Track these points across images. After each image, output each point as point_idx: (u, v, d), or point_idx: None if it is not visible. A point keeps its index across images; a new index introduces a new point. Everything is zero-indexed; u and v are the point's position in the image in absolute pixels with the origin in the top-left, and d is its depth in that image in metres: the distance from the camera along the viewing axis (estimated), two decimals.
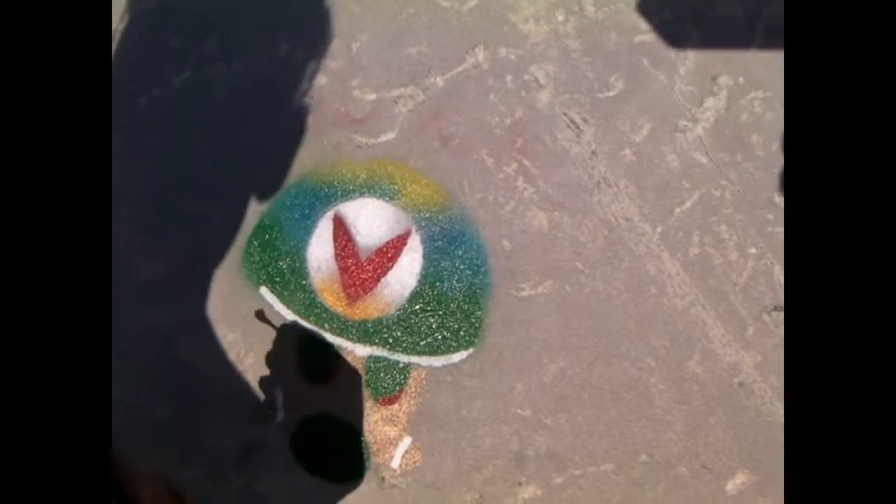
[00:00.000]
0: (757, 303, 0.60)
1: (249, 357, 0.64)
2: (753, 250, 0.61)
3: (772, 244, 0.58)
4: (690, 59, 0.59)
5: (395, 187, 0.64)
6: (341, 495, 0.64)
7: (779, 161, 0.58)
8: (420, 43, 0.65)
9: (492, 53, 0.63)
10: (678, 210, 0.61)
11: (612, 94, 0.63)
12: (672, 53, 0.59)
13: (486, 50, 0.64)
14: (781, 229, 0.57)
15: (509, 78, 0.63)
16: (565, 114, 0.63)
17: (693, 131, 0.58)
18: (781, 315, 0.59)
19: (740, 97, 0.58)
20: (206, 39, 0.69)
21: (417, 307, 0.62)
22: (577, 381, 0.63)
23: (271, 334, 0.67)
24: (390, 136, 0.64)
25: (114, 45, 0.73)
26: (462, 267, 0.62)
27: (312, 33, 0.67)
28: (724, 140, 0.58)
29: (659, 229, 0.59)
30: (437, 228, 0.63)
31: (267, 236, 0.68)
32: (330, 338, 0.67)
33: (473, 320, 0.61)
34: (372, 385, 0.66)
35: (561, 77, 0.63)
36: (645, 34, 0.60)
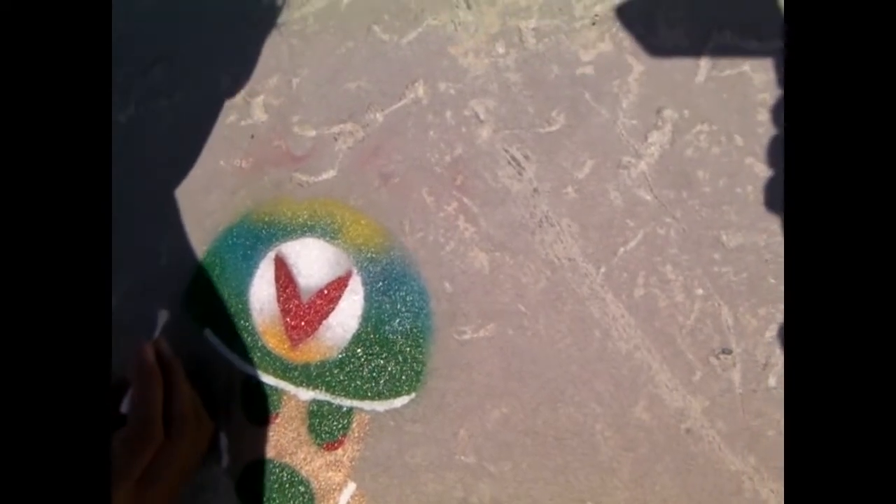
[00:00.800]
0: (704, 346, 0.58)
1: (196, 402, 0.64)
2: (700, 291, 0.59)
3: (718, 285, 0.55)
4: (633, 91, 0.57)
5: (336, 227, 0.63)
6: None
7: (726, 197, 0.56)
8: (359, 78, 0.64)
9: (431, 88, 0.63)
10: (622, 250, 0.58)
11: (553, 129, 0.61)
12: (614, 86, 0.57)
13: (426, 84, 0.63)
14: (729, 269, 0.55)
15: (449, 113, 0.62)
16: (506, 150, 0.61)
17: (637, 167, 0.56)
18: (729, 357, 0.57)
19: (685, 131, 0.56)
20: (151, 70, 0.70)
21: (360, 350, 0.61)
22: (521, 428, 0.62)
23: (215, 379, 0.67)
24: (331, 174, 0.63)
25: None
26: (403, 309, 0.61)
27: (253, 67, 0.67)
28: (669, 176, 0.56)
29: (602, 270, 0.57)
30: (378, 270, 0.61)
31: (210, 276, 0.67)
32: (272, 381, 0.67)
33: (415, 364, 0.60)
34: (315, 429, 0.65)
35: (501, 112, 0.61)
36: (586, 66, 0.59)
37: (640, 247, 0.59)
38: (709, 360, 0.58)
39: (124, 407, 0.56)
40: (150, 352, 0.58)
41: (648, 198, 0.60)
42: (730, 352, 0.57)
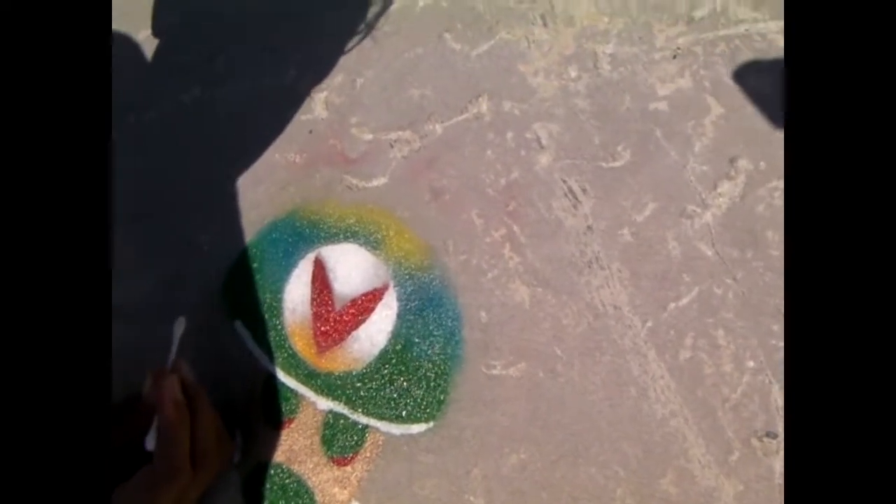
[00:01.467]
0: (747, 424, 0.55)
1: (213, 395, 0.73)
2: (751, 364, 0.57)
3: (773, 360, 0.54)
4: (708, 135, 0.58)
5: (380, 237, 0.66)
6: None
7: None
8: (424, 85, 0.68)
9: (496, 105, 0.65)
10: (673, 305, 0.58)
11: (617, 164, 0.61)
12: (688, 126, 0.58)
13: (491, 101, 0.65)
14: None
15: (510, 134, 0.64)
16: (564, 181, 0.62)
17: (701, 218, 0.57)
18: (773, 442, 0.59)
19: (759, 185, 0.56)
20: (216, 58, 0.77)
21: (384, 368, 0.64)
22: (538, 478, 0.63)
23: (237, 375, 0.76)
24: (382, 181, 0.67)
25: (145, 55, 0.83)
26: (436, 333, 0.64)
27: (320, 63, 0.73)
28: (735, 233, 0.56)
29: (649, 324, 0.58)
30: (415, 287, 0.65)
31: (248, 269, 0.70)
32: (294, 384, 0.75)
33: (438, 392, 0.63)
34: (328, 441, 0.71)
35: (564, 139, 0.62)
36: (660, 101, 0.60)
37: (692, 305, 0.61)
38: (750, 441, 0.60)
39: (149, 444, 0.59)
40: (177, 387, 0.61)
41: (709, 253, 0.62)
42: (775, 436, 0.59)
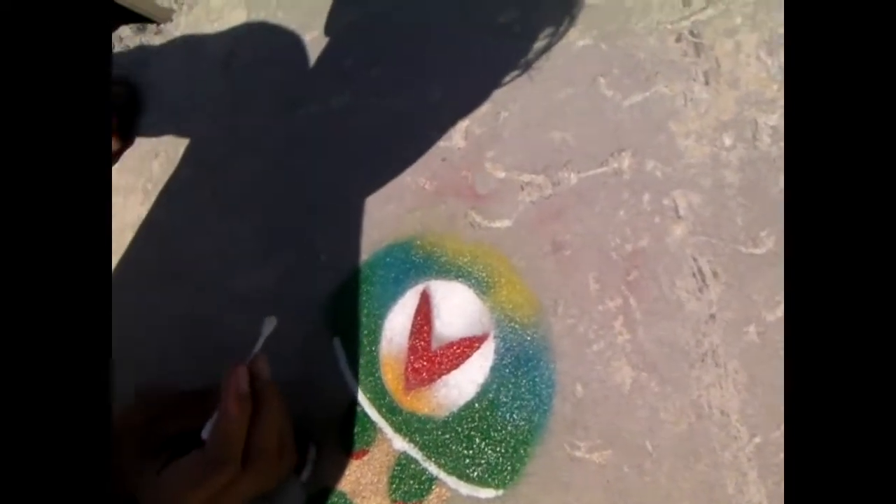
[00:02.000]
0: None
1: (293, 405, 0.79)
2: None
3: None
4: None
5: (491, 282, 0.67)
6: None
7: None
8: (567, 129, 0.68)
9: (638, 163, 0.64)
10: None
11: (758, 251, 0.58)
12: None
13: (634, 157, 0.64)
14: None
15: (647, 197, 0.63)
16: (695, 259, 0.59)
17: None
18: None
19: None
20: (373, 68, 0.82)
21: (466, 423, 0.65)
22: None
23: (324, 390, 0.82)
24: (505, 223, 0.68)
25: (309, 53, 0.91)
26: (526, 397, 0.64)
27: (469, 90, 0.75)
28: None
29: (757, 439, 0.55)
30: (515, 344, 0.65)
31: (357, 288, 0.73)
32: (375, 416, 0.79)
33: (515, 461, 0.63)
34: (395, 483, 0.65)
35: (704, 213, 0.60)
36: None
37: None
38: None
39: (204, 433, 0.65)
40: (245, 379, 0.65)
41: None
42: None
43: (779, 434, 0.55)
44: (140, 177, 0.95)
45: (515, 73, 0.72)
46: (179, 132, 0.94)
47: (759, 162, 0.60)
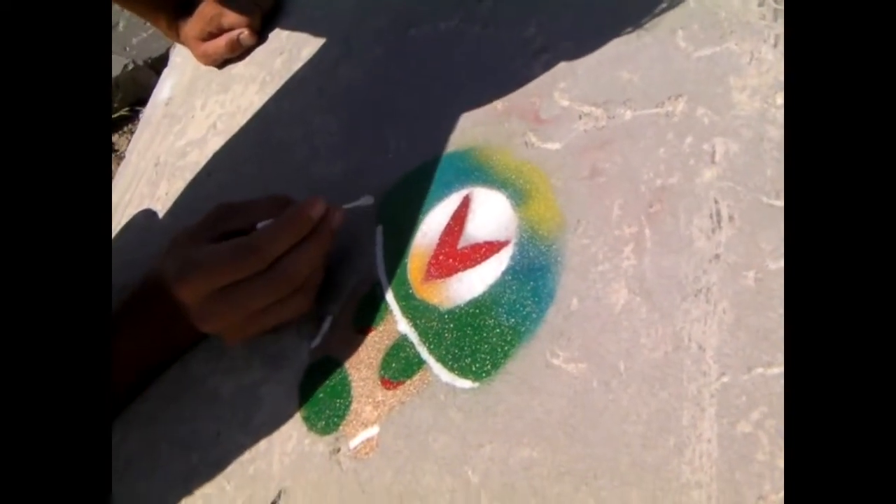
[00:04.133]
0: None
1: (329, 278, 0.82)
2: None
3: None
4: None
5: (527, 196, 0.69)
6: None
7: None
8: (636, 71, 0.69)
9: (690, 108, 0.64)
10: (760, 371, 0.52)
11: (777, 203, 0.56)
12: None
13: (688, 103, 0.64)
14: None
15: (689, 139, 0.62)
16: (716, 202, 0.58)
17: None
18: None
19: None
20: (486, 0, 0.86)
21: (466, 317, 0.66)
22: (535, 483, 0.56)
23: (354, 269, 0.85)
24: (556, 146, 0.69)
25: None
26: (526, 302, 0.64)
27: (563, 26, 0.78)
28: None
29: (725, 378, 0.53)
30: (531, 254, 0.67)
31: (413, 184, 0.77)
32: (391, 298, 0.71)
33: (498, 358, 0.64)
34: (387, 360, 0.68)
35: (738, 162, 0.59)
36: None
37: (779, 380, 0.54)
38: None
39: (259, 227, 0.70)
40: (319, 209, 0.69)
41: None
42: None
43: (747, 378, 0.53)
44: (262, 70, 1.03)
45: (629, 28, 0.74)
46: (307, 34, 1.02)
47: None
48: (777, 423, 0.51)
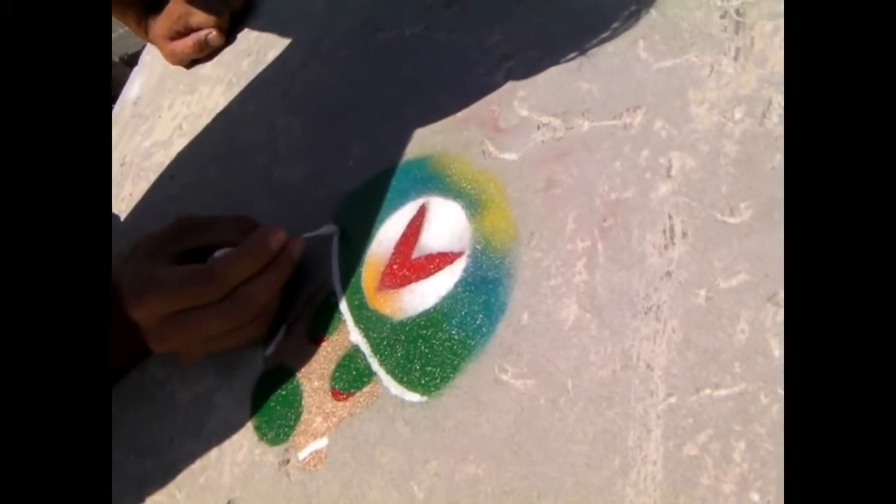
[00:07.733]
0: None
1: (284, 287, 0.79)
2: (756, 498, 0.48)
3: None
4: None
5: (482, 205, 0.67)
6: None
7: None
8: (596, 81, 0.66)
9: (648, 121, 0.62)
10: (707, 392, 0.50)
11: (731, 220, 0.54)
12: None
13: (646, 115, 0.62)
14: None
15: (646, 153, 0.60)
16: (670, 217, 0.56)
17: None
18: None
19: None
20: (453, 5, 0.84)
21: (416, 328, 0.64)
22: (480, 500, 0.54)
23: (311, 279, 0.82)
24: (513, 156, 0.67)
25: None
26: (477, 316, 0.62)
27: (523, 35, 0.76)
28: None
29: (672, 399, 0.51)
30: (483, 265, 0.64)
31: (371, 193, 0.75)
32: (345, 309, 0.77)
33: (447, 372, 0.62)
34: (338, 371, 0.65)
35: (693, 177, 0.57)
36: None
37: (728, 402, 0.48)
38: None
39: (217, 255, 0.68)
40: (279, 240, 0.68)
41: (777, 353, 0.53)
42: None
43: (694, 399, 0.51)
44: (229, 71, 1.00)
45: (597, 40, 0.72)
46: (275, 35, 1.00)
47: (761, 138, 0.56)
48: (723, 447, 0.49)
